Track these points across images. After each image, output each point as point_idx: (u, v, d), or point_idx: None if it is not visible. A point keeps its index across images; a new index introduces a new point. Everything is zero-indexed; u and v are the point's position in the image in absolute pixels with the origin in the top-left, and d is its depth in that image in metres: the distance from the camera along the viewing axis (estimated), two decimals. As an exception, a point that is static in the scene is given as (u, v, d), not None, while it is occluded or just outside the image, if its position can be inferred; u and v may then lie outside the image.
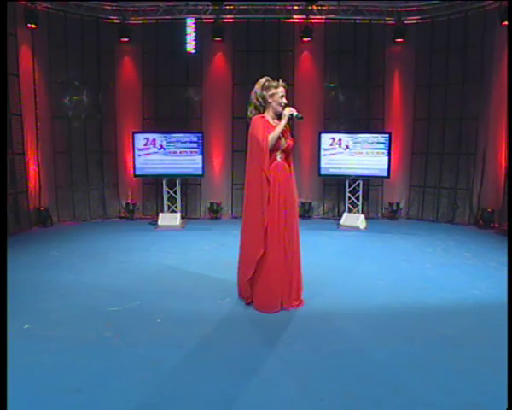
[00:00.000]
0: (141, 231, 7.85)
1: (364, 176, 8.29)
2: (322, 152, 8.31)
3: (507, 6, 7.05)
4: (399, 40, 8.67)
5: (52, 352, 3.27)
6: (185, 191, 8.94)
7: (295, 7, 8.70)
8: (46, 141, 8.18)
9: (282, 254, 4.01)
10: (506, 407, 2.33)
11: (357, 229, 7.94)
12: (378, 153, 8.09)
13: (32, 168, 7.93)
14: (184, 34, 8.64)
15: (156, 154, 8.18)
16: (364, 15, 8.71)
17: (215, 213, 8.93)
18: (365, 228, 8.02)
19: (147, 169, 8.24)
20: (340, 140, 8.26)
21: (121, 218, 8.97)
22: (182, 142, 8.18)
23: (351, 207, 8.45)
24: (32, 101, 7.88)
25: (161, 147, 8.18)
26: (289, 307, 4.10)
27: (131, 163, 8.38)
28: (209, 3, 8.50)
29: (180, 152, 8.18)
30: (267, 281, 4.01)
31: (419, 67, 8.81)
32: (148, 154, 8.18)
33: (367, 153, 8.14)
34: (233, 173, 9.02)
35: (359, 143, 8.17)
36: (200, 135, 8.29)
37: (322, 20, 8.79)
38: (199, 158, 8.20)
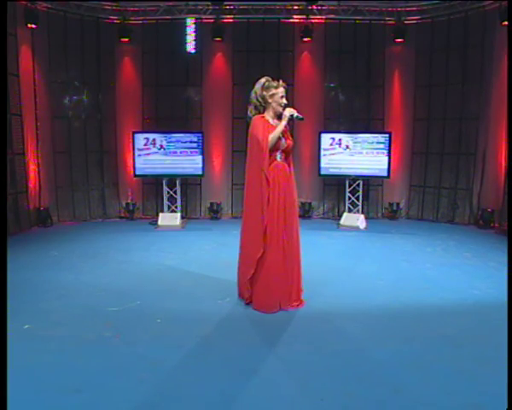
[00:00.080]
0: (141, 231, 7.85)
1: (364, 176, 8.29)
2: (322, 152, 8.32)
3: (507, 6, 7.05)
4: (399, 40, 8.67)
5: (52, 352, 3.27)
6: (185, 191, 8.94)
7: (295, 7, 8.70)
8: (46, 141, 8.19)
9: (281, 254, 4.01)
10: (506, 407, 2.33)
11: (357, 229, 7.94)
12: (378, 153, 8.09)
13: (32, 168, 7.94)
14: (184, 34, 8.65)
15: (156, 154, 8.18)
16: (364, 15, 8.71)
17: (215, 213, 8.93)
18: (365, 228, 8.02)
19: (147, 169, 8.24)
20: (340, 140, 8.26)
21: (121, 218, 8.97)
22: (182, 142, 8.18)
23: (351, 207, 8.45)
24: (32, 101, 7.88)
25: (161, 147, 8.18)
26: (289, 307, 4.10)
27: (131, 163, 8.38)
28: (209, 3, 8.51)
29: (180, 152, 8.18)
30: (267, 281, 4.01)
31: (419, 67, 8.82)
32: (148, 154, 8.18)
33: (367, 153, 8.14)
34: (233, 173, 9.02)
35: (359, 143, 8.17)
36: (200, 135, 8.29)
37: (322, 20, 8.80)
38: (199, 158, 8.19)
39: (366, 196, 8.89)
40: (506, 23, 7.25)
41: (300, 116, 4.09)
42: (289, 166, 4.15)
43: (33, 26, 7.69)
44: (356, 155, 8.19)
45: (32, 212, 7.90)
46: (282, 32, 8.88)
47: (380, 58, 8.88)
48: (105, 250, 6.34)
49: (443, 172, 8.69)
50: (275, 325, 3.79)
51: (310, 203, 9.06)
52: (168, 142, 8.17)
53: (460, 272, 5.30)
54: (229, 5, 8.59)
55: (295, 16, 8.81)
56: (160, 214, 8.24)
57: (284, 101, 4.05)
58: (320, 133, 8.38)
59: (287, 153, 4.13)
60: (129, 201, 8.93)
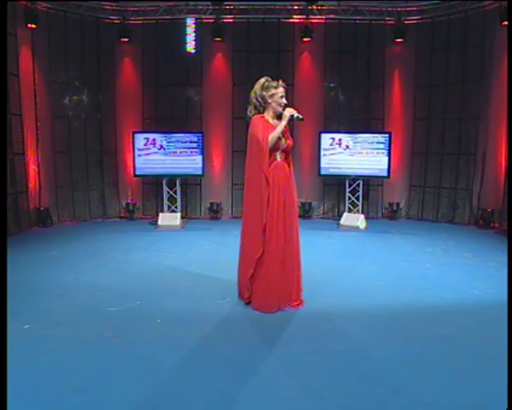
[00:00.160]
0: (141, 231, 7.85)
1: (364, 176, 8.29)
2: (322, 152, 8.32)
3: (507, 6, 7.05)
4: (399, 40, 8.67)
5: (52, 352, 3.27)
6: (185, 191, 8.94)
7: (295, 7, 8.70)
8: (46, 141, 8.18)
9: (281, 253, 4.01)
10: (506, 407, 2.33)
11: (357, 229, 7.94)
12: (378, 153, 8.09)
13: (32, 168, 7.94)
14: (184, 34, 8.64)
15: (156, 154, 8.18)
16: (364, 15, 8.71)
17: (215, 213, 8.93)
18: (365, 228, 8.02)
19: (147, 169, 8.24)
20: (340, 140, 8.26)
21: (121, 218, 8.97)
22: (182, 142, 8.18)
23: (351, 207, 8.45)
24: (32, 101, 7.88)
25: (161, 147, 8.18)
26: (289, 306, 4.10)
27: (131, 163, 8.38)
28: (209, 3, 8.51)
29: (180, 152, 8.18)
30: (266, 281, 4.01)
31: (419, 67, 8.82)
32: (148, 154, 8.18)
33: (367, 153, 8.14)
34: (233, 173, 9.02)
35: (359, 143, 8.17)
36: (200, 135, 8.29)
37: (323, 20, 8.80)
38: (199, 158, 8.20)
39: (366, 196, 8.89)
40: (506, 23, 7.25)
41: (300, 116, 4.09)
42: (289, 166, 4.15)
43: (33, 26, 7.69)
44: (356, 155, 8.19)
45: (32, 212, 7.90)
46: (282, 32, 8.88)
47: (380, 58, 8.88)
48: (105, 250, 6.34)
49: (443, 172, 8.69)
50: (275, 325, 3.79)
51: (310, 203, 9.06)
52: (168, 142, 8.17)
53: (460, 272, 5.30)
54: (229, 5, 8.59)
55: (295, 16, 8.81)
56: (160, 214, 8.24)
57: (284, 101, 4.05)
58: (320, 133, 8.38)
59: (287, 153, 4.13)
60: (129, 201, 8.92)
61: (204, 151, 8.29)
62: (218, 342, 3.50)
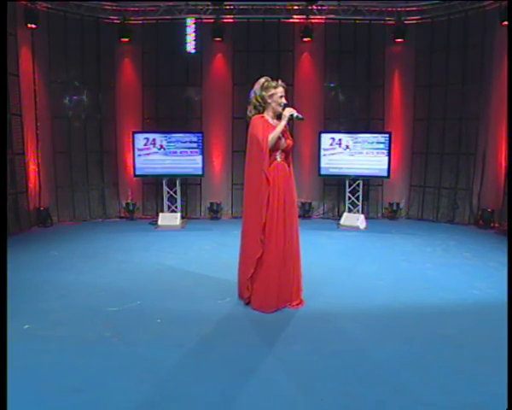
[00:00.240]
0: (141, 231, 7.85)
1: (364, 176, 8.29)
2: (323, 152, 8.32)
3: (507, 6, 7.05)
4: (399, 40, 8.67)
5: (52, 352, 3.27)
6: (185, 191, 8.94)
7: (295, 7, 8.69)
8: (46, 141, 8.19)
9: (281, 253, 4.01)
10: (506, 407, 2.33)
11: (357, 229, 7.94)
12: (378, 153, 8.09)
13: (32, 168, 7.94)
14: (184, 34, 8.65)
15: (156, 154, 8.18)
16: (364, 15, 8.71)
17: (215, 213, 8.93)
18: (365, 228, 8.02)
19: (147, 169, 8.24)
20: (340, 140, 8.26)
21: (121, 218, 8.97)
22: (182, 142, 8.18)
23: (351, 207, 8.45)
24: (32, 101, 7.88)
25: (161, 147, 8.18)
26: (289, 306, 4.10)
27: (131, 163, 8.38)
28: (209, 3, 8.51)
29: (180, 152, 8.18)
30: (266, 281, 4.01)
31: (419, 67, 8.82)
32: (148, 154, 8.18)
33: (367, 153, 8.14)
34: (233, 173, 9.02)
35: (359, 143, 8.17)
36: (200, 135, 8.29)
37: (323, 20, 8.80)
38: (199, 158, 8.20)
39: (366, 196, 8.89)
40: (506, 23, 7.24)
41: (300, 116, 4.09)
42: (289, 166, 4.15)
43: (33, 26, 7.69)
44: (356, 155, 8.19)
45: (32, 212, 7.90)
46: (282, 32, 8.88)
47: (380, 58, 8.88)
48: (105, 250, 6.34)
49: (443, 172, 8.69)
50: (275, 325, 3.79)
51: (310, 203, 9.06)
52: (168, 142, 8.17)
53: (460, 272, 5.30)
54: (229, 5, 8.59)
55: (295, 16, 8.81)
56: (160, 214, 8.24)
57: (283, 100, 4.04)
58: (320, 133, 8.37)
59: (287, 153, 4.13)
60: (129, 201, 8.93)
61: (204, 151, 8.30)
62: (218, 342, 3.50)
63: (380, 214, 9.17)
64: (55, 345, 3.37)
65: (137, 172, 8.30)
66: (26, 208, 7.75)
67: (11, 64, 7.06)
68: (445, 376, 2.97)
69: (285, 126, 4.04)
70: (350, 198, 8.45)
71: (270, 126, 3.99)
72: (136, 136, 8.19)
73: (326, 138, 8.31)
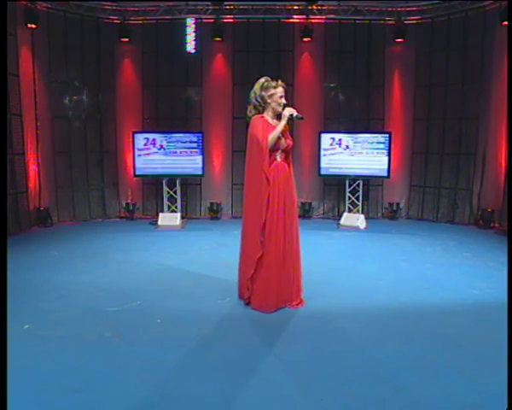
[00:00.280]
0: (141, 231, 7.85)
1: (364, 176, 8.29)
2: (322, 152, 8.32)
3: (507, 6, 7.05)
4: (399, 40, 8.67)
5: (52, 352, 3.27)
6: (185, 191, 8.94)
7: (295, 7, 8.69)
8: (46, 141, 8.18)
9: (281, 254, 4.01)
10: (506, 407, 2.33)
11: (357, 229, 7.94)
12: (378, 153, 8.09)
13: (32, 168, 7.93)
14: (184, 34, 8.64)
15: (156, 154, 8.18)
16: (364, 15, 8.71)
17: (215, 213, 8.93)
18: (365, 228, 8.02)
19: (147, 169, 8.24)
20: (340, 140, 8.26)
21: (121, 218, 8.97)
22: (182, 142, 8.18)
23: (351, 207, 8.45)
24: (32, 101, 7.88)
25: (161, 147, 8.18)
26: (289, 306, 4.10)
27: (131, 163, 8.39)
28: (209, 3, 8.51)
29: (180, 152, 8.18)
30: (266, 281, 4.01)
31: (419, 67, 8.82)
32: (148, 154, 8.18)
33: (367, 153, 8.14)
34: (233, 173, 9.02)
35: (359, 143, 8.17)
36: (200, 135, 8.29)
37: (322, 20, 8.79)
38: (199, 158, 8.20)
39: (366, 196, 8.89)
40: (506, 23, 7.24)
41: (300, 115, 4.09)
42: (289, 166, 4.15)
43: (33, 26, 7.69)
44: (356, 155, 8.19)
45: (32, 212, 7.90)
46: (282, 32, 8.88)
47: (380, 58, 8.88)
48: (105, 250, 6.34)
49: (443, 172, 8.69)
50: (275, 325, 3.79)
51: (310, 203, 9.06)
52: (168, 142, 8.18)
53: (460, 272, 5.30)
54: (229, 5, 8.59)
55: (295, 16, 8.81)
56: (160, 214, 8.24)
57: (283, 100, 4.04)
58: (320, 133, 8.37)
59: (287, 153, 4.13)
60: (129, 201, 8.93)
61: (204, 151, 8.30)
62: (218, 342, 3.50)
63: (380, 214, 9.17)
64: (55, 345, 3.37)
65: (137, 172, 8.30)
66: (26, 208, 7.75)
67: (11, 64, 7.06)
68: (445, 376, 2.97)
69: (285, 126, 4.04)
70: (350, 198, 8.45)
71: (270, 126, 3.99)
72: (136, 136, 8.19)
73: (326, 138, 8.31)
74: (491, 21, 7.84)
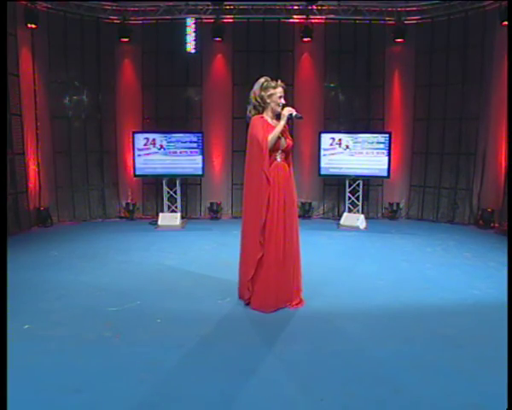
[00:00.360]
0: (141, 231, 7.85)
1: (364, 176, 8.29)
2: (322, 152, 8.31)
3: (507, 6, 7.05)
4: (399, 40, 8.67)
5: (52, 352, 3.27)
6: (185, 191, 8.94)
7: (295, 7, 8.69)
8: (46, 141, 8.18)
9: (281, 254, 4.01)
10: (506, 407, 2.33)
11: (357, 229, 7.93)
12: (378, 153, 8.09)
13: (32, 168, 7.93)
14: (184, 34, 8.64)
15: (156, 154, 8.18)
16: (364, 15, 8.71)
17: (215, 213, 8.93)
18: (365, 228, 8.02)
19: (147, 169, 8.24)
20: (340, 140, 8.26)
21: (121, 218, 8.97)
22: (182, 142, 8.19)
23: (351, 207, 8.45)
24: (32, 101, 7.88)
25: (161, 147, 8.18)
26: (289, 306, 4.10)
27: (131, 163, 8.39)
28: (209, 3, 8.51)
29: (180, 152, 8.19)
30: (266, 281, 4.01)
31: (419, 67, 8.82)
32: (148, 154, 8.18)
33: (367, 153, 8.14)
34: (233, 173, 9.02)
35: (359, 143, 8.17)
36: (200, 135, 8.29)
37: (322, 20, 8.79)
38: (199, 158, 8.20)
39: (366, 196, 8.89)
40: (506, 23, 7.24)
41: (299, 115, 4.09)
42: (289, 166, 4.15)
43: (33, 26, 7.69)
44: (356, 155, 8.19)
45: (32, 212, 7.90)
46: (282, 32, 8.88)
47: (380, 58, 8.88)
48: (105, 250, 6.34)
49: (443, 172, 8.69)
50: (275, 325, 3.79)
51: (310, 203, 9.06)
52: (168, 142, 8.18)
53: (460, 272, 5.30)
54: (229, 5, 8.59)
55: (295, 16, 8.81)
56: (160, 214, 8.24)
57: (282, 101, 4.04)
58: (320, 133, 8.37)
59: (287, 153, 4.13)
60: (129, 201, 8.93)
61: (204, 151, 8.30)
62: (218, 342, 3.50)
63: (380, 214, 9.17)
64: (55, 345, 3.37)
65: (137, 172, 8.30)
66: (26, 208, 7.75)
67: (11, 64, 7.06)
68: (445, 376, 2.97)
69: (285, 126, 4.04)
70: (350, 198, 8.44)
71: (270, 126, 3.99)
72: (136, 136, 8.19)
73: (326, 138, 8.31)
74: (491, 21, 7.84)
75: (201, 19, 8.70)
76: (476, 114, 8.21)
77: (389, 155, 8.06)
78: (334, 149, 8.28)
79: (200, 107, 9.02)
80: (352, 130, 8.64)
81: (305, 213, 8.95)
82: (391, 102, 9.03)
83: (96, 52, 8.64)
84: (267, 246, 3.96)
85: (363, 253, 6.30)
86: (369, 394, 2.77)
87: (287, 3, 8.64)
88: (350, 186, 8.42)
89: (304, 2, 8.49)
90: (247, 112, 4.13)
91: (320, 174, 8.50)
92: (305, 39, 8.71)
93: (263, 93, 4.02)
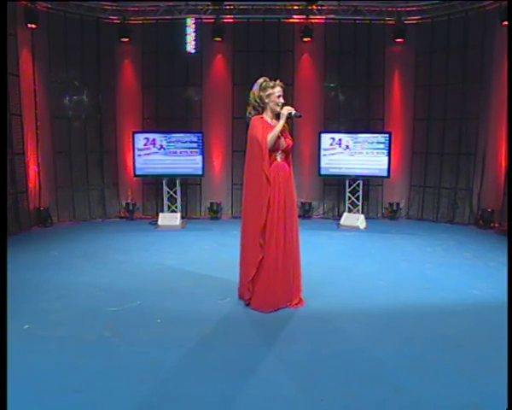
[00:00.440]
0: (141, 231, 7.85)
1: (364, 176, 8.29)
2: (322, 152, 8.31)
3: (507, 6, 7.05)
4: (399, 40, 8.66)
5: (52, 352, 3.27)
6: (185, 191, 8.94)
7: (295, 7, 8.69)
8: (46, 141, 8.18)
9: (281, 254, 4.01)
10: (506, 407, 2.33)
11: (357, 229, 7.93)
12: (378, 153, 8.09)
13: (32, 168, 7.93)
14: (184, 34, 8.64)
15: (156, 154, 8.18)
16: (364, 15, 8.70)
17: (215, 213, 8.93)
18: (365, 228, 8.02)
19: (147, 169, 8.24)
20: (340, 140, 8.26)
21: (121, 218, 8.97)
22: (182, 142, 8.19)
23: (351, 207, 8.45)
24: (32, 101, 7.88)
25: (161, 147, 8.18)
26: (289, 306, 4.10)
27: (131, 163, 8.38)
28: (209, 3, 8.51)
29: (180, 152, 8.19)
30: (267, 281, 4.00)
31: (419, 67, 8.81)
32: (148, 154, 8.18)
33: (367, 153, 8.14)
34: (233, 173, 9.02)
35: (359, 143, 8.17)
36: (200, 135, 8.29)
37: (322, 20, 8.79)
38: (199, 158, 8.20)
39: (366, 196, 8.89)
40: (506, 23, 7.24)
41: (298, 113, 4.09)
42: (289, 166, 4.15)
43: (33, 26, 7.69)
44: (356, 155, 8.19)
45: (32, 212, 7.90)
46: (282, 32, 8.88)
47: (380, 58, 8.88)
48: (105, 250, 6.34)
49: (443, 172, 8.69)
50: (275, 325, 3.79)
51: (310, 203, 9.06)
52: (168, 142, 8.18)
53: (460, 272, 5.30)
54: (229, 5, 8.59)
55: (295, 16, 8.81)
56: (160, 214, 8.23)
57: (281, 100, 4.04)
58: (320, 133, 8.37)
59: (287, 153, 4.13)
60: (129, 201, 8.93)
61: (204, 151, 8.30)
62: (218, 342, 3.50)
63: (380, 214, 9.16)
64: (55, 345, 3.37)
65: (137, 172, 8.30)
66: (26, 208, 7.75)
67: (11, 64, 7.06)
68: (445, 376, 2.97)
69: (284, 126, 4.04)
70: (350, 198, 8.44)
71: (270, 127, 3.99)
72: (136, 136, 8.19)
73: (326, 138, 8.31)
74: (491, 21, 7.84)
75: (201, 19, 8.70)
76: (476, 114, 8.21)
77: (389, 155, 8.06)
78: (334, 149, 8.28)
79: (200, 107, 9.02)
80: (351, 130, 8.64)
81: (305, 213, 8.95)
82: (391, 102, 9.03)
83: (96, 52, 8.64)
84: (267, 246, 3.96)
85: (363, 253, 6.30)
86: (369, 394, 2.77)
87: (287, 3, 8.64)
88: (350, 186, 8.42)
89: (304, 3, 8.49)
90: (247, 113, 4.13)
91: (320, 174, 8.50)
92: (305, 39, 8.71)
93: (261, 93, 4.02)
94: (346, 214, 8.34)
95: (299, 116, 4.14)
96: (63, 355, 3.23)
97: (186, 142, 8.19)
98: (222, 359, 3.21)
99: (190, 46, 8.70)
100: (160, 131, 8.44)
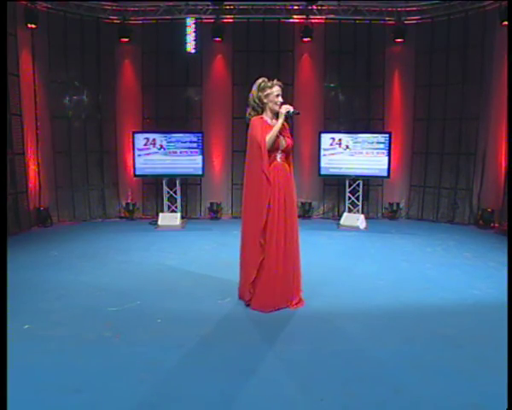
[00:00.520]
0: (141, 231, 7.85)
1: (364, 176, 8.29)
2: (322, 152, 8.32)
3: (507, 6, 7.05)
4: (399, 40, 8.67)
5: (52, 352, 3.27)
6: (185, 191, 8.94)
7: (295, 7, 8.69)
8: (46, 141, 8.18)
9: (281, 254, 4.01)
10: (506, 407, 2.33)
11: (357, 229, 7.93)
12: (378, 153, 8.09)
13: (32, 168, 7.93)
14: (184, 34, 8.64)
15: (156, 154, 8.18)
16: (364, 15, 8.70)
17: (215, 213, 8.93)
18: (365, 228, 8.02)
19: (147, 169, 8.24)
20: (340, 140, 8.26)
21: (121, 218, 8.97)
22: (182, 142, 8.19)
23: (351, 207, 8.45)
24: (31, 101, 7.88)
25: (161, 147, 8.18)
26: (289, 306, 4.10)
27: (131, 163, 8.39)
28: (209, 3, 8.51)
29: (180, 152, 8.18)
30: (267, 281, 4.00)
31: (419, 67, 8.82)
32: (148, 154, 8.18)
33: (367, 153, 8.14)
34: (233, 173, 9.02)
35: (359, 143, 8.17)
36: (200, 135, 8.29)
37: (322, 20, 8.79)
38: (199, 158, 8.20)
39: (366, 196, 8.89)
40: (506, 23, 7.24)
41: (296, 111, 4.08)
42: (289, 166, 4.15)
43: (33, 26, 7.69)
44: (356, 155, 8.19)
45: (32, 212, 7.90)
46: (282, 32, 8.88)
47: (380, 58, 8.88)
48: (105, 250, 6.34)
49: (443, 172, 8.69)
50: (275, 325, 3.79)
51: (310, 203, 9.06)
52: (168, 142, 8.18)
53: (460, 272, 5.30)
54: (229, 5, 8.59)
55: (295, 16, 8.81)
56: (160, 214, 8.24)
57: (280, 99, 4.04)
58: (320, 133, 8.38)
59: (287, 153, 4.13)
60: (129, 201, 8.93)
61: (204, 151, 8.30)
62: (218, 342, 3.50)
63: (380, 214, 9.17)
64: (55, 345, 3.37)
65: (137, 172, 8.30)
66: (26, 208, 7.75)
67: (11, 64, 7.06)
68: (445, 376, 2.97)
69: (284, 125, 4.04)
70: (350, 198, 8.45)
71: (269, 127, 3.99)
72: (136, 136, 8.19)
73: (326, 138, 8.31)
74: (491, 21, 7.84)
75: (201, 19, 8.70)
76: (476, 114, 8.21)
77: (389, 155, 8.06)
78: (334, 149, 8.28)
79: (200, 107, 9.02)
80: (351, 130, 8.64)
81: (305, 213, 8.95)
82: (391, 102, 9.03)
83: (96, 52, 8.64)
84: (268, 247, 3.96)
85: (363, 253, 6.30)
86: (369, 394, 2.77)
87: (287, 3, 8.64)
88: (350, 186, 8.42)
89: (304, 3, 8.49)
90: (247, 113, 4.13)
91: (320, 174, 8.50)
92: (305, 39, 8.71)
93: (260, 94, 4.02)
94: (345, 214, 8.34)
95: (298, 113, 4.14)
96: (63, 355, 3.23)
97: (186, 142, 8.19)
98: (222, 359, 3.21)
99: (190, 46, 8.70)
100: (160, 131, 8.44)
